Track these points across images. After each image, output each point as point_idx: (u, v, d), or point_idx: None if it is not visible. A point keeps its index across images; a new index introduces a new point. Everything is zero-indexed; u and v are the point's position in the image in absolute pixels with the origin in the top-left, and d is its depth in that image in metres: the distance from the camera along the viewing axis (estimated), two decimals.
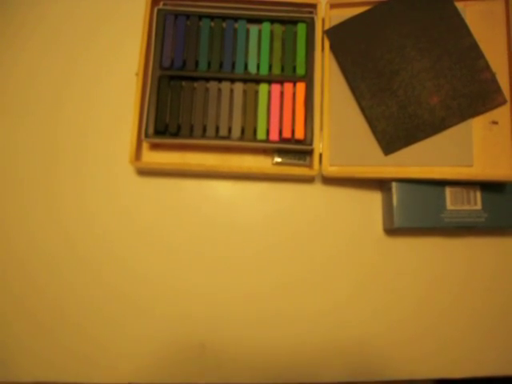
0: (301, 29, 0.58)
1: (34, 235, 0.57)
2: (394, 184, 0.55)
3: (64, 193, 0.57)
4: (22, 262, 0.56)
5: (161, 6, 0.58)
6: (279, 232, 0.57)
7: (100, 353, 0.55)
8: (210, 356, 0.55)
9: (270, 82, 0.57)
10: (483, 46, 0.54)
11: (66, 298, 0.55)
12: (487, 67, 0.54)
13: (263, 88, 0.56)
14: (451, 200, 0.54)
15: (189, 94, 0.56)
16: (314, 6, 0.58)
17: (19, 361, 0.54)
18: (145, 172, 0.58)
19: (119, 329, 0.55)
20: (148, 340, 0.55)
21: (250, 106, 0.56)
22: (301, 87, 0.56)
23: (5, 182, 0.58)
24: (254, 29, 0.58)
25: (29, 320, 0.55)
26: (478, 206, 0.54)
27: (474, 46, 0.55)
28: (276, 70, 0.57)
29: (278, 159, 0.57)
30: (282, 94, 0.57)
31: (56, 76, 0.60)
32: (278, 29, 0.58)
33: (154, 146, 0.58)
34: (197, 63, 0.57)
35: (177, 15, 0.57)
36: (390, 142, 0.55)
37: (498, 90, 0.54)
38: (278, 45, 0.57)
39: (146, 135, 0.55)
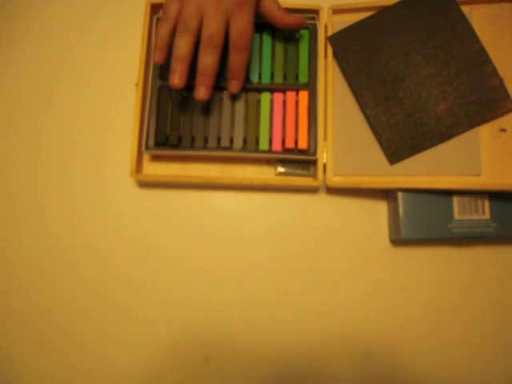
0: (303, 36, 0.56)
1: (30, 248, 0.56)
2: (399, 194, 0.53)
3: (63, 206, 0.57)
4: (19, 275, 0.56)
5: (160, 14, 0.57)
6: (283, 243, 0.56)
7: (99, 366, 0.54)
8: (213, 369, 0.54)
9: (272, 90, 0.56)
10: (490, 52, 0.53)
11: (64, 310, 0.55)
12: (495, 73, 0.53)
13: (265, 97, 0.55)
14: (459, 209, 0.53)
15: (189, 105, 0.55)
16: (316, 11, 0.57)
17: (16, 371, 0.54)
18: (146, 184, 0.57)
19: (120, 341, 0.54)
20: (149, 353, 0.54)
21: (252, 116, 0.55)
22: (304, 95, 0.55)
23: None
24: (255, 36, 0.56)
25: (24, 330, 0.54)
26: (487, 216, 0.53)
27: (481, 52, 0.53)
28: (278, 79, 0.56)
29: (281, 169, 0.56)
30: (284, 102, 0.55)
31: (52, 85, 0.59)
32: (280, 36, 0.57)
33: (155, 158, 0.57)
34: None
35: None
36: (396, 151, 0.54)
37: (507, 96, 0.53)
38: (279, 52, 0.56)
39: (147, 147, 0.54)
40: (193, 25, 0.48)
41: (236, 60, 0.51)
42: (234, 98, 0.55)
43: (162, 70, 0.55)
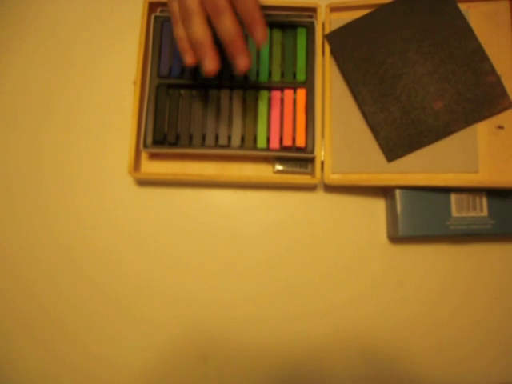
0: (300, 33, 0.56)
1: (30, 247, 0.56)
2: (397, 191, 0.54)
3: (61, 204, 0.57)
4: (19, 274, 0.56)
5: (158, 13, 0.57)
6: (281, 241, 0.56)
7: (98, 365, 0.54)
8: (211, 368, 0.54)
9: (269, 88, 0.56)
10: (488, 49, 0.53)
11: (64, 309, 0.55)
12: (492, 70, 0.53)
13: (263, 95, 0.55)
14: (456, 207, 0.53)
15: (187, 103, 0.55)
16: (313, 9, 0.57)
17: (16, 372, 0.54)
18: (144, 182, 0.57)
19: (118, 341, 0.54)
20: (148, 352, 0.54)
21: (250, 114, 0.55)
22: (301, 93, 0.55)
23: None
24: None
25: (25, 330, 0.55)
26: (484, 213, 0.53)
27: (479, 49, 0.53)
28: (276, 77, 0.56)
29: (279, 167, 0.56)
30: (282, 100, 0.55)
31: (51, 83, 0.59)
32: (278, 34, 0.57)
33: (153, 156, 0.57)
34: (195, 70, 0.56)
35: None
36: (394, 149, 0.54)
37: (504, 93, 0.53)
38: (277, 50, 0.56)
39: (145, 145, 0.54)
40: (194, 5, 0.45)
41: (245, 3, 0.45)
42: (231, 95, 0.55)
43: (160, 68, 0.55)
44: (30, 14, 0.61)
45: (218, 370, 0.54)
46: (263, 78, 0.56)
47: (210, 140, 0.55)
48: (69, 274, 0.56)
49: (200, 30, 0.45)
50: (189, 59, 0.48)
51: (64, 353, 0.54)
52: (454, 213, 0.53)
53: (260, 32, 0.45)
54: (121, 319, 0.55)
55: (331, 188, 0.57)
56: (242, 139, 0.55)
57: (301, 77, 0.56)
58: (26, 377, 0.54)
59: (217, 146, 0.55)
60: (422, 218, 0.53)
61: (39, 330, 0.55)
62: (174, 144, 0.55)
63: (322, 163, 0.54)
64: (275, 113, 0.55)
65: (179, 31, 0.48)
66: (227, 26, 0.45)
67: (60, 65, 0.60)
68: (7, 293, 0.55)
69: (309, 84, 0.55)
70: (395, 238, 0.56)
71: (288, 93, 0.55)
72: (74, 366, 0.54)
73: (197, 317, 0.55)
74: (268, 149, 0.55)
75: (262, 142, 0.55)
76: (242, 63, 0.46)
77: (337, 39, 0.56)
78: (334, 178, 0.54)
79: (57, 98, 0.59)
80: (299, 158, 0.55)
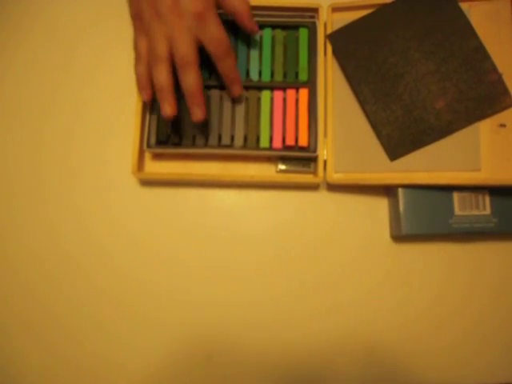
0: (302, 34, 0.57)
1: (33, 247, 0.56)
2: (400, 190, 0.54)
3: (65, 204, 0.57)
4: (21, 274, 0.56)
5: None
6: (285, 240, 0.56)
7: (102, 366, 0.54)
8: (215, 369, 0.54)
9: (272, 88, 0.56)
10: (489, 47, 0.53)
11: (66, 310, 0.55)
12: (494, 69, 0.53)
13: (265, 95, 0.56)
14: (459, 205, 0.53)
15: None
16: (315, 10, 0.57)
17: (20, 373, 0.54)
18: (147, 182, 0.58)
19: (121, 341, 0.55)
20: (152, 352, 0.54)
21: (253, 114, 0.55)
22: (304, 93, 0.55)
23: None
24: (255, 35, 0.57)
25: (26, 329, 0.55)
26: (487, 211, 0.53)
27: (480, 48, 0.53)
28: (278, 77, 0.56)
29: (281, 167, 0.56)
30: (284, 100, 0.56)
31: (54, 83, 0.60)
32: (280, 34, 0.57)
33: (157, 156, 0.57)
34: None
35: None
36: (396, 148, 0.54)
37: (506, 91, 0.53)
38: (279, 51, 0.57)
39: (148, 145, 0.55)
40: (162, 52, 0.48)
41: (225, 67, 0.51)
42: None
43: None
44: (31, 15, 0.62)
45: (222, 370, 0.54)
46: (265, 78, 0.56)
47: (213, 140, 0.55)
48: (72, 274, 0.56)
49: (164, 77, 0.49)
50: (145, 96, 0.52)
51: (66, 354, 0.54)
52: (457, 211, 0.53)
53: (236, 90, 0.53)
54: (124, 320, 0.55)
55: (334, 187, 0.57)
56: (245, 139, 0.55)
57: (303, 77, 0.56)
58: (26, 376, 0.54)
59: (220, 145, 0.55)
60: (425, 217, 0.53)
61: (42, 331, 0.55)
62: (178, 144, 0.55)
63: (325, 162, 0.55)
64: (278, 112, 0.55)
65: (141, 69, 0.51)
66: (190, 80, 0.49)
67: (63, 65, 0.60)
68: (8, 293, 0.56)
69: (311, 84, 0.56)
70: (398, 237, 0.56)
71: (290, 93, 0.56)
72: (76, 367, 0.54)
73: (201, 317, 0.55)
74: (271, 148, 0.55)
75: (264, 142, 0.55)
76: (196, 114, 0.50)
77: (339, 39, 0.56)
78: (336, 177, 0.55)
79: (60, 97, 0.60)
80: (302, 157, 0.55)
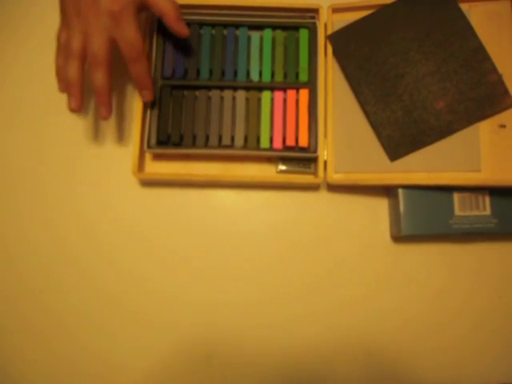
0: (303, 34, 0.57)
1: (34, 248, 0.56)
2: (400, 191, 0.54)
3: (66, 205, 0.57)
4: (23, 274, 0.56)
5: None
6: (285, 240, 0.57)
7: (102, 366, 0.54)
8: (215, 370, 0.54)
9: (272, 89, 0.56)
10: (489, 48, 0.53)
11: (67, 310, 0.55)
12: (494, 69, 0.53)
13: (266, 95, 0.56)
14: (459, 206, 0.53)
15: (191, 103, 0.56)
16: (315, 10, 0.57)
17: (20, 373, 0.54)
18: (148, 182, 0.58)
19: (122, 342, 0.55)
20: (152, 353, 0.54)
21: (253, 114, 0.55)
22: (304, 94, 0.55)
23: (2, 192, 0.58)
24: (255, 36, 0.57)
25: (28, 331, 0.55)
26: (487, 212, 0.53)
27: (480, 48, 0.53)
28: (278, 77, 0.56)
29: (282, 167, 0.56)
30: (284, 101, 0.56)
31: (54, 84, 0.60)
32: (280, 35, 0.57)
33: (157, 157, 0.57)
34: (198, 72, 0.56)
35: None
36: (396, 148, 0.54)
37: (505, 92, 0.53)
38: (280, 51, 0.57)
39: (149, 146, 0.55)
40: (75, 48, 0.49)
41: (136, 71, 0.51)
42: (234, 96, 0.56)
43: (163, 70, 0.56)
44: (32, 15, 0.62)
45: (222, 371, 0.54)
46: (266, 78, 0.56)
47: (213, 140, 0.55)
48: (73, 274, 0.56)
49: (73, 72, 0.50)
50: (62, 88, 0.52)
51: (67, 354, 0.54)
52: (457, 212, 0.53)
53: (147, 96, 0.53)
54: (124, 320, 0.55)
55: (334, 188, 0.57)
56: (246, 139, 0.55)
57: (303, 77, 0.56)
58: (29, 379, 0.54)
59: (220, 146, 0.55)
60: (425, 217, 0.53)
61: (42, 331, 0.55)
62: (178, 144, 0.55)
63: (325, 163, 0.55)
64: (278, 113, 0.55)
65: (60, 61, 0.51)
66: (99, 79, 0.50)
67: None
68: (11, 294, 0.56)
69: (311, 84, 0.56)
70: (398, 238, 0.56)
71: (291, 93, 0.56)
72: (77, 367, 0.54)
73: (201, 318, 0.55)
74: (271, 149, 0.55)
75: (265, 142, 0.55)
76: (102, 113, 0.51)
77: (339, 40, 0.56)
78: (336, 177, 0.55)
79: (60, 98, 0.60)
80: (302, 157, 0.56)
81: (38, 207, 0.57)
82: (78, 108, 0.50)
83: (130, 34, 0.49)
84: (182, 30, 0.52)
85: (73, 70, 0.49)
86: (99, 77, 0.49)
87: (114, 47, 0.50)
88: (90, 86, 0.51)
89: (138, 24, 0.49)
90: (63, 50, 0.51)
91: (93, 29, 0.48)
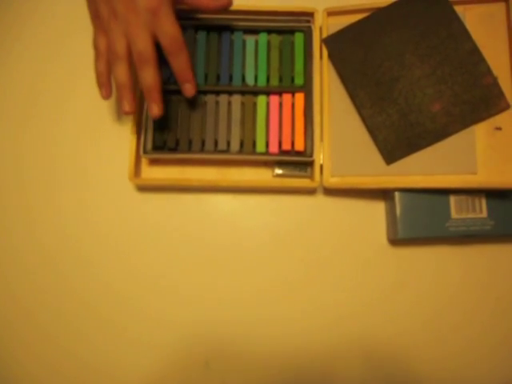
0: (298, 38, 0.57)
1: (34, 248, 0.56)
2: (396, 194, 0.54)
3: (63, 212, 0.57)
4: (24, 277, 0.56)
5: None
6: (282, 244, 0.57)
7: (101, 367, 0.54)
8: (213, 373, 0.54)
9: (268, 93, 0.56)
10: (484, 51, 0.53)
11: (68, 310, 0.55)
12: (489, 72, 0.53)
13: (261, 100, 0.56)
14: (456, 208, 0.53)
15: (186, 108, 0.55)
16: (311, 14, 0.57)
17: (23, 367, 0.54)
18: (144, 188, 0.58)
19: (120, 346, 0.55)
20: (149, 356, 0.54)
21: (249, 119, 0.55)
22: (299, 97, 0.55)
23: (2, 195, 0.58)
24: (250, 40, 0.57)
25: (32, 326, 0.55)
26: (484, 214, 0.53)
27: (475, 51, 0.54)
28: (274, 81, 0.56)
29: (278, 171, 0.56)
30: (280, 105, 0.56)
31: (49, 88, 0.60)
32: (275, 39, 0.57)
33: (153, 162, 0.57)
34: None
35: None
36: (392, 151, 0.54)
37: (501, 94, 0.53)
38: (275, 55, 0.57)
39: (145, 151, 0.55)
40: (120, 49, 0.49)
41: (177, 64, 0.50)
42: (230, 101, 0.56)
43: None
44: (27, 13, 0.62)
45: (220, 374, 0.54)
46: (261, 82, 0.56)
47: (209, 145, 0.55)
48: (69, 279, 0.56)
49: (124, 75, 0.49)
50: (104, 93, 0.52)
51: (68, 354, 0.55)
52: (454, 214, 0.53)
53: (189, 90, 0.52)
54: (122, 323, 0.55)
55: (330, 191, 0.57)
56: (241, 144, 0.55)
57: (299, 81, 0.56)
58: (31, 373, 0.55)
59: (216, 150, 0.55)
60: (422, 220, 0.53)
61: (44, 328, 0.55)
62: (174, 149, 0.55)
63: (321, 166, 0.55)
64: (274, 117, 0.55)
65: (101, 66, 0.51)
66: (148, 77, 0.49)
67: (58, 68, 0.60)
68: (15, 293, 0.56)
69: (307, 88, 0.56)
70: (395, 241, 0.56)
71: (286, 97, 0.56)
72: (77, 366, 0.54)
73: (198, 321, 0.55)
74: (267, 153, 0.55)
75: (261, 147, 0.55)
76: (153, 111, 0.50)
77: (334, 43, 0.56)
78: (333, 181, 0.55)
79: (55, 103, 0.60)
80: (298, 161, 0.56)
81: (33, 212, 0.57)
82: (132, 110, 0.50)
83: (170, 28, 0.49)
84: (221, 3, 0.52)
85: (122, 72, 0.49)
86: (149, 74, 0.49)
87: (155, 43, 0.49)
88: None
89: (176, 17, 0.49)
90: (103, 55, 0.50)
91: (135, 28, 0.48)
